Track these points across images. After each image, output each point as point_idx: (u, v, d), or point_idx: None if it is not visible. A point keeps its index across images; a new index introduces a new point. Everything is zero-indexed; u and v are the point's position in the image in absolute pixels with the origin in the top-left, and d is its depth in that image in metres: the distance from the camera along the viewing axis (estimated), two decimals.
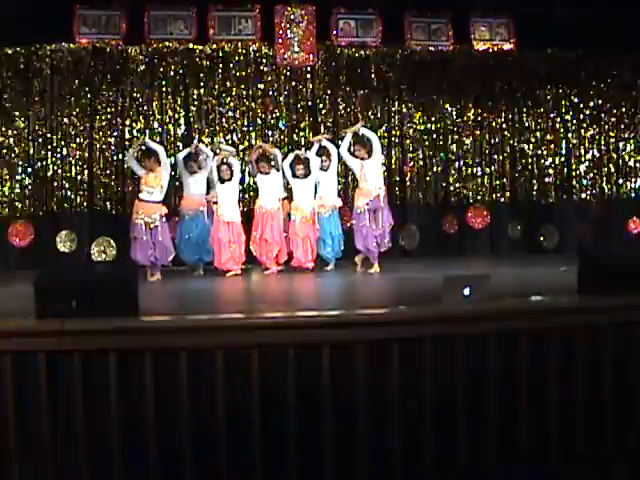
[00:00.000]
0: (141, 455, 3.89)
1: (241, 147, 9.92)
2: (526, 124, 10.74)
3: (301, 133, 10.16)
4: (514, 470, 4.20)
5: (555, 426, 4.25)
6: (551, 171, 10.81)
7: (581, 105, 10.81)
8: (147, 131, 9.74)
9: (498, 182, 10.71)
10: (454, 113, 10.55)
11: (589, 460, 4.25)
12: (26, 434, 3.86)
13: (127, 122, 9.77)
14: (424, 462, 4.09)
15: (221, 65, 9.98)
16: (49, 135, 9.62)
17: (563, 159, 10.81)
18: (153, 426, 3.90)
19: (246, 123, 10.04)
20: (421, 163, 10.50)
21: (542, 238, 10.64)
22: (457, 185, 10.59)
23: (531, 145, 10.76)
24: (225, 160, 8.24)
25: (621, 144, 10.88)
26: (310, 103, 10.22)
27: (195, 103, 9.94)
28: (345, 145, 8.28)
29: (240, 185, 8.73)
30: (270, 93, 10.08)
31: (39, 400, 3.85)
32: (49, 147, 9.63)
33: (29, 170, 9.58)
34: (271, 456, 3.96)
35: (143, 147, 8.15)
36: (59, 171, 9.64)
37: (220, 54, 9.94)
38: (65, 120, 9.64)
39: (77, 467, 3.87)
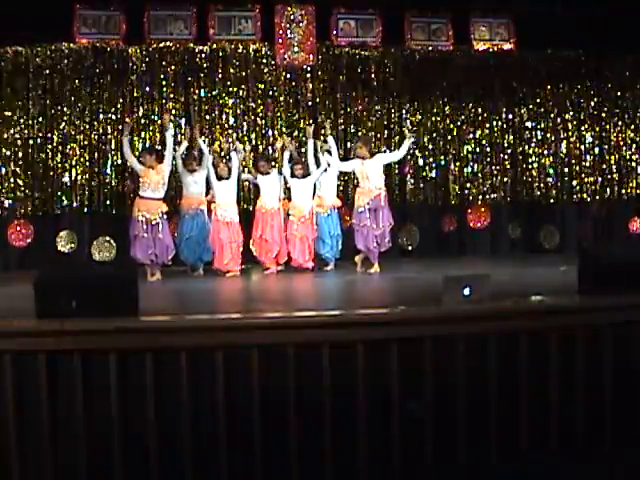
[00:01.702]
0: (141, 455, 3.89)
1: (241, 147, 9.92)
2: (526, 124, 10.74)
3: (301, 133, 10.17)
4: (514, 470, 4.20)
5: (555, 426, 4.25)
6: (551, 171, 10.82)
7: (581, 105, 10.81)
8: (147, 131, 9.77)
9: (498, 182, 10.71)
10: (454, 113, 10.55)
11: (589, 460, 4.25)
12: (26, 434, 3.86)
13: (127, 122, 9.76)
14: (424, 462, 4.09)
15: (221, 65, 9.98)
16: (49, 135, 9.62)
17: (563, 159, 10.81)
18: (153, 426, 3.90)
19: (246, 123, 10.05)
20: (421, 163, 10.51)
21: (542, 238, 10.64)
22: (457, 185, 10.60)
23: (531, 145, 10.77)
24: (226, 154, 8.29)
25: (622, 144, 10.88)
26: (310, 103, 10.23)
27: (195, 103, 9.95)
28: (335, 157, 8.33)
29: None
30: (270, 93, 10.09)
31: (39, 400, 3.85)
32: (49, 147, 9.63)
33: (29, 170, 9.57)
34: (271, 456, 3.96)
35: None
36: (59, 171, 9.64)
37: (220, 54, 9.95)
38: (65, 120, 9.64)
39: (77, 467, 3.87)
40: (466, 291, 4.30)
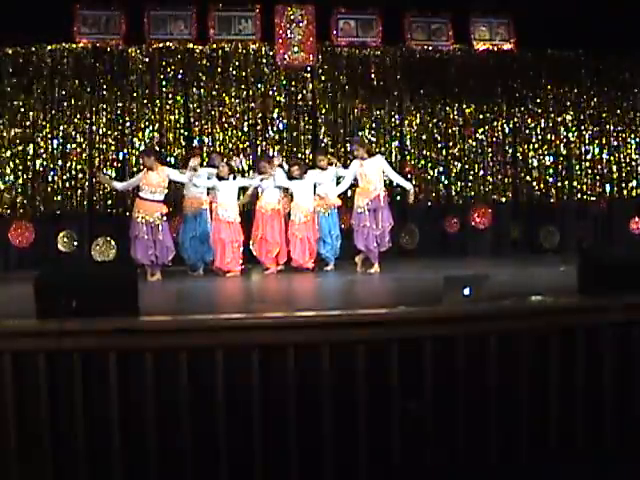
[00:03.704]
0: (141, 455, 3.89)
1: (241, 147, 9.97)
2: (526, 124, 10.74)
3: (301, 133, 10.19)
4: (514, 470, 4.20)
5: (555, 426, 4.25)
6: (551, 171, 10.82)
7: (581, 105, 10.82)
8: (147, 131, 9.80)
9: (499, 182, 10.71)
10: (454, 113, 10.55)
11: (589, 460, 4.25)
12: (26, 434, 3.86)
13: (127, 122, 9.78)
14: (424, 462, 4.09)
15: (221, 65, 9.99)
16: (49, 135, 9.62)
17: (563, 159, 10.81)
18: (153, 426, 3.90)
19: (246, 123, 10.06)
20: (423, 162, 10.51)
21: (542, 238, 10.64)
22: (458, 185, 10.60)
23: (531, 145, 10.77)
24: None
25: (621, 144, 10.88)
26: (310, 103, 10.23)
27: (195, 103, 9.96)
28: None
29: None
30: (270, 93, 10.10)
31: (39, 400, 3.85)
32: (49, 147, 9.63)
33: (29, 170, 9.58)
34: (271, 456, 3.96)
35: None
36: (59, 171, 9.64)
37: (220, 54, 9.96)
38: (65, 120, 9.64)
39: (77, 467, 3.87)
40: (466, 291, 4.30)
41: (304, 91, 10.21)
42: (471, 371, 4.14)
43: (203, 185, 8.28)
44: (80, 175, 9.69)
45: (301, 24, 9.53)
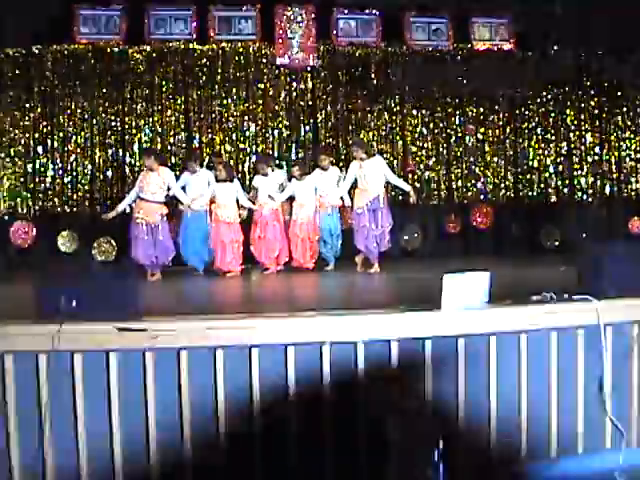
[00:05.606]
0: (141, 455, 3.90)
1: (241, 146, 9.97)
2: (527, 124, 10.75)
3: (301, 133, 10.19)
4: (515, 470, 4.20)
5: (555, 426, 4.25)
6: (551, 171, 10.82)
7: (581, 105, 10.82)
8: (147, 130, 9.80)
9: (499, 182, 10.71)
10: (454, 113, 10.56)
11: (589, 459, 4.25)
12: (26, 435, 3.86)
13: (127, 122, 9.78)
14: (423, 462, 4.09)
15: (221, 65, 9.99)
16: (49, 135, 9.63)
17: (563, 159, 10.81)
18: (153, 426, 3.90)
19: (246, 123, 10.06)
20: (424, 162, 10.51)
21: (543, 238, 10.65)
22: (458, 185, 10.60)
23: (532, 145, 10.77)
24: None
25: (621, 144, 10.88)
26: (310, 103, 10.24)
27: (195, 103, 9.96)
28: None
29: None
30: (270, 93, 10.11)
31: (39, 400, 3.85)
32: (49, 147, 9.63)
33: (29, 170, 9.59)
34: (271, 456, 3.96)
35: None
36: (59, 171, 9.65)
37: (220, 54, 9.96)
38: (65, 120, 9.65)
39: (77, 467, 3.87)
40: (466, 291, 4.29)
41: (304, 90, 10.22)
42: (471, 371, 4.14)
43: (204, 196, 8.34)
44: (80, 175, 9.69)
45: (301, 24, 9.54)
